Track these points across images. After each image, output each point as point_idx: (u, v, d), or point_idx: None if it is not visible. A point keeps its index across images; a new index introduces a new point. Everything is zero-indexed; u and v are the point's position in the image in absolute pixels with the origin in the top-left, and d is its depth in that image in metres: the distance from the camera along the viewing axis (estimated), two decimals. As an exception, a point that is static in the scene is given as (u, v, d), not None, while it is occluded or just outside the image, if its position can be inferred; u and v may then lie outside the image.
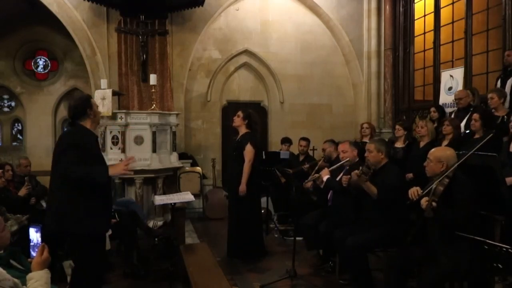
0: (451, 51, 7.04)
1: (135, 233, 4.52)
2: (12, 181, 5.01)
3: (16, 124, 9.77)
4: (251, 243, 4.84)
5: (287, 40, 8.60)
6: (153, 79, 6.38)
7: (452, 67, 6.78)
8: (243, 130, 4.87)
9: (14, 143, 9.73)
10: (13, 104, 9.72)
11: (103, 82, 6.42)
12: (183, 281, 3.68)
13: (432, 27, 7.43)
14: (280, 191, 6.25)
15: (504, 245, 2.49)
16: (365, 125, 6.31)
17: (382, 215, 3.57)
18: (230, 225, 4.95)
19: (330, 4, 8.56)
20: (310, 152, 6.99)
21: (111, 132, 5.98)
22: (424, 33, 7.69)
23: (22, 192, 4.73)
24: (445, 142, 4.71)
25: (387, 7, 8.28)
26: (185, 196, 4.16)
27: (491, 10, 6.25)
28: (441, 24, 7.24)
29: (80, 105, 3.01)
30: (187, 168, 7.49)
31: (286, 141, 6.96)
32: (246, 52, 8.44)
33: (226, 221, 5.16)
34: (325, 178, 4.27)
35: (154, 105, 6.35)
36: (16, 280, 2.06)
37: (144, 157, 5.97)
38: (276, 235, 5.93)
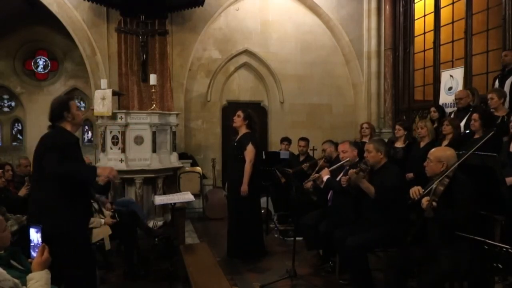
0: (451, 51, 7.04)
1: (135, 233, 4.52)
2: (12, 181, 5.00)
3: (16, 124, 9.77)
4: (251, 243, 4.84)
5: (287, 40, 8.60)
6: (153, 79, 6.38)
7: (452, 67, 6.78)
8: (243, 130, 4.86)
9: (14, 143, 9.74)
10: (13, 104, 9.73)
11: (103, 82, 6.43)
12: (183, 281, 3.68)
13: (432, 27, 7.43)
14: (280, 191, 6.25)
15: (504, 245, 2.49)
16: (365, 125, 6.32)
17: (382, 215, 3.57)
18: (230, 225, 4.95)
19: (330, 4, 8.57)
20: (310, 152, 7.00)
21: (111, 132, 5.98)
22: (424, 33, 7.69)
23: (22, 192, 4.72)
24: (445, 142, 4.71)
25: (387, 7, 8.28)
26: (185, 196, 4.16)
27: (491, 10, 6.25)
28: (441, 24, 7.24)
29: (56, 108, 2.97)
30: (187, 168, 7.49)
31: (285, 140, 6.97)
32: (246, 52, 8.45)
33: (226, 221, 5.16)
34: (325, 178, 4.27)
35: (154, 105, 6.35)
36: (16, 280, 2.06)
37: (144, 157, 5.97)
38: (276, 235, 5.93)
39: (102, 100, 5.87)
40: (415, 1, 7.92)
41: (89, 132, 10.14)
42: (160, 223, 5.85)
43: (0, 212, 3.88)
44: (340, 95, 9.00)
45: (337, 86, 8.98)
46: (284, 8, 8.55)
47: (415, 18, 7.93)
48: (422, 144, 5.07)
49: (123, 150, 5.90)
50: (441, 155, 3.07)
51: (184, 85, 7.97)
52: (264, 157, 6.28)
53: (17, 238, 3.66)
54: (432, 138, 5.03)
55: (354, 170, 3.66)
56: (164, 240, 3.95)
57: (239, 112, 4.90)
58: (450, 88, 6.25)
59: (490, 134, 3.29)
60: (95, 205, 4.36)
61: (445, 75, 6.48)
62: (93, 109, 5.99)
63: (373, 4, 8.54)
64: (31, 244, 2.20)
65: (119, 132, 5.90)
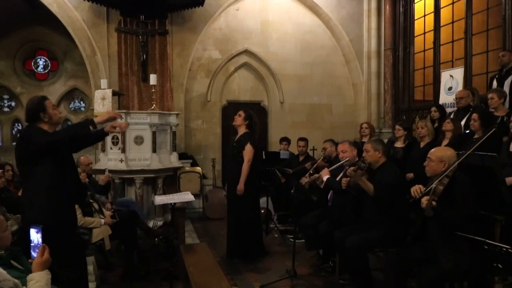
0: (451, 51, 7.04)
1: (135, 233, 4.52)
2: (12, 181, 5.01)
3: (16, 124, 9.76)
4: (251, 243, 4.84)
5: (287, 40, 8.60)
6: (153, 79, 6.38)
7: (452, 67, 6.78)
8: (242, 130, 4.87)
9: (14, 143, 9.72)
10: (13, 104, 9.72)
11: (103, 82, 6.43)
12: (183, 281, 3.68)
13: (432, 27, 7.43)
14: (280, 191, 6.25)
15: (504, 245, 2.49)
16: (365, 125, 6.32)
17: (382, 215, 3.58)
18: (229, 225, 4.95)
19: (330, 4, 8.57)
20: (310, 152, 6.99)
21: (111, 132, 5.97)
22: (424, 33, 7.69)
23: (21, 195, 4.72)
24: (445, 142, 4.71)
25: (387, 7, 8.28)
26: (185, 196, 4.16)
27: (491, 10, 6.25)
28: (441, 24, 7.24)
29: (31, 109, 2.93)
30: (187, 168, 7.49)
31: (284, 140, 6.98)
32: (246, 52, 8.44)
33: (226, 221, 5.16)
34: (325, 178, 4.27)
35: (154, 105, 6.35)
36: (16, 280, 2.06)
37: (144, 157, 5.97)
38: (276, 235, 5.93)
39: (102, 100, 5.88)
40: (415, 1, 7.92)
41: (89, 132, 10.11)
42: (160, 223, 5.84)
43: (0, 212, 3.88)
44: (340, 95, 9.00)
45: (337, 86, 8.98)
46: (284, 8, 8.55)
47: (415, 18, 7.93)
48: (422, 144, 5.07)
49: (123, 150, 5.90)
50: (443, 154, 3.08)
51: (184, 85, 7.97)
52: (264, 157, 6.29)
53: (17, 238, 3.66)
54: (432, 138, 5.03)
55: (353, 167, 3.68)
56: (164, 240, 3.95)
57: (241, 112, 4.92)
58: (450, 88, 6.25)
59: (491, 131, 3.28)
60: (95, 205, 4.37)
61: (445, 75, 6.48)
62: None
63: (373, 4, 8.54)
64: (32, 244, 2.20)
65: (119, 132, 5.89)
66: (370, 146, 3.78)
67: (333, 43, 8.86)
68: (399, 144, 5.50)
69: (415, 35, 7.94)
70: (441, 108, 5.72)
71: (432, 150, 3.19)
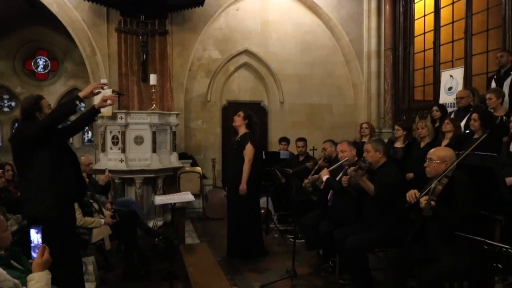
0: (451, 51, 7.04)
1: (135, 233, 4.52)
2: (12, 181, 5.01)
3: (16, 124, 9.76)
4: (251, 243, 4.84)
5: (287, 40, 8.60)
6: (153, 79, 6.38)
7: (452, 67, 6.78)
8: (242, 130, 4.87)
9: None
10: (13, 104, 9.73)
11: (104, 81, 6.42)
12: (183, 281, 3.68)
13: (432, 27, 7.43)
14: (280, 191, 6.25)
15: (504, 245, 2.49)
16: (364, 125, 6.32)
17: (382, 215, 3.58)
18: (229, 225, 4.95)
19: (330, 4, 8.57)
20: (310, 152, 6.99)
21: (111, 132, 5.99)
22: (424, 33, 7.69)
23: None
24: (445, 142, 4.71)
25: (387, 7, 8.28)
26: (185, 196, 4.16)
27: (491, 10, 6.25)
28: (441, 24, 7.24)
29: (27, 109, 2.94)
30: (187, 168, 7.49)
31: (284, 140, 6.99)
32: (246, 52, 8.44)
33: (226, 221, 5.16)
34: (324, 178, 4.28)
35: (154, 105, 6.36)
36: (16, 280, 2.06)
37: (144, 157, 5.98)
38: (276, 235, 5.93)
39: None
40: (415, 1, 7.92)
41: (89, 132, 10.14)
42: (160, 223, 5.85)
43: (0, 212, 3.88)
44: (340, 95, 9.00)
45: (337, 86, 8.97)
46: (284, 8, 8.55)
47: (415, 18, 7.93)
48: (422, 144, 5.07)
49: (123, 150, 5.90)
50: (445, 154, 3.07)
51: (184, 85, 7.97)
52: (264, 157, 6.29)
53: (17, 238, 3.66)
54: (433, 138, 5.03)
55: (353, 167, 3.68)
56: (164, 240, 3.95)
57: (240, 112, 4.93)
58: (450, 88, 6.25)
59: (484, 136, 3.27)
60: (95, 205, 4.37)
61: (445, 75, 6.47)
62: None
63: (373, 4, 8.53)
64: (32, 245, 2.20)
65: (119, 132, 5.91)
66: (370, 146, 3.78)
67: (333, 43, 8.86)
68: (399, 144, 5.51)
69: (415, 35, 7.94)
70: (443, 108, 5.71)
71: (432, 150, 3.18)
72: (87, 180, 4.59)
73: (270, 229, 6.10)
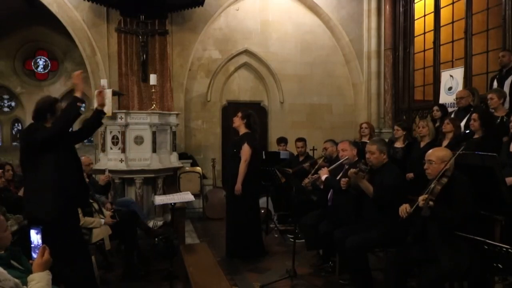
0: (451, 51, 7.04)
1: (135, 233, 4.52)
2: (12, 181, 5.01)
3: (16, 124, 9.77)
4: (249, 243, 4.84)
5: (287, 40, 8.60)
6: (153, 79, 6.38)
7: (452, 67, 6.78)
8: (242, 130, 4.87)
9: (14, 143, 9.74)
10: (13, 104, 9.74)
11: (103, 82, 6.41)
12: (183, 281, 3.68)
13: (432, 27, 7.43)
14: (280, 191, 6.25)
15: (504, 245, 2.49)
16: (364, 125, 6.31)
17: (382, 215, 3.58)
18: (228, 225, 4.95)
19: (330, 4, 8.57)
20: (310, 152, 6.99)
21: (111, 132, 5.98)
22: (424, 33, 7.69)
23: (23, 192, 4.72)
24: (445, 142, 4.71)
25: (387, 7, 8.28)
26: (185, 196, 4.16)
27: (491, 10, 6.25)
28: (441, 24, 7.24)
29: (41, 109, 2.99)
30: (187, 168, 7.50)
31: (282, 141, 7.00)
32: (246, 52, 8.44)
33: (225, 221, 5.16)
34: (323, 177, 4.28)
35: (154, 105, 6.35)
36: (16, 280, 2.06)
37: (144, 157, 5.97)
38: (276, 235, 5.93)
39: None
40: (415, 1, 7.92)
41: (89, 132, 10.12)
42: (160, 223, 5.85)
43: (0, 212, 3.88)
44: (340, 95, 9.00)
45: (337, 86, 8.97)
46: (284, 8, 8.55)
47: (415, 18, 7.93)
48: (422, 144, 5.06)
49: (123, 150, 5.89)
50: (444, 154, 3.07)
51: (184, 85, 7.97)
52: (264, 157, 6.28)
53: (17, 238, 3.66)
54: (433, 138, 5.03)
55: (354, 170, 3.67)
56: (164, 240, 3.95)
57: (239, 113, 4.92)
58: (450, 88, 6.25)
59: (461, 149, 3.17)
60: (95, 205, 4.37)
61: (445, 75, 6.48)
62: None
63: (373, 4, 8.53)
64: (32, 245, 2.20)
65: (119, 132, 5.90)
66: (375, 147, 3.71)
67: (333, 43, 8.86)
68: (398, 144, 5.50)
69: (415, 35, 7.94)
70: (443, 108, 5.70)
71: (430, 152, 3.16)
72: (87, 180, 4.59)
73: (270, 229, 6.10)
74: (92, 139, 9.98)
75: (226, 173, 6.91)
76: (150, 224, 5.66)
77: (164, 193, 5.84)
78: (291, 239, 5.31)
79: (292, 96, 8.71)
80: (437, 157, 3.06)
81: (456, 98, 5.36)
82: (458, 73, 6.28)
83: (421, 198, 2.87)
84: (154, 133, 6.00)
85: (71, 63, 9.58)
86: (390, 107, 8.32)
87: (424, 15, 7.69)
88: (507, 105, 4.86)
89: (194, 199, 4.37)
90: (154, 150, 6.01)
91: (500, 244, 2.53)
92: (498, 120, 4.56)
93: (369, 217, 3.74)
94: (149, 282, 4.14)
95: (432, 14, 7.43)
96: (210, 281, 3.09)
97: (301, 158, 6.38)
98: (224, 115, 8.42)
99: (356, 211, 3.97)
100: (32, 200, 2.87)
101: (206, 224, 6.79)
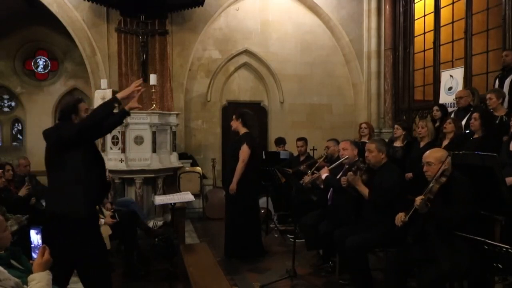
0: (451, 51, 7.04)
1: (135, 233, 4.52)
2: (12, 181, 5.01)
3: (16, 124, 9.77)
4: (248, 243, 4.83)
5: (287, 40, 8.60)
6: (153, 79, 6.38)
7: (452, 67, 6.78)
8: (242, 130, 4.87)
9: (14, 143, 9.74)
10: (13, 104, 9.72)
11: (103, 82, 6.43)
12: (183, 281, 3.69)
13: (432, 27, 7.43)
14: (280, 191, 6.25)
15: (504, 245, 2.49)
16: (364, 125, 6.30)
17: (382, 215, 3.57)
18: (227, 225, 4.95)
19: (330, 4, 8.57)
20: (310, 152, 6.99)
21: (111, 132, 5.98)
22: (424, 33, 7.69)
23: (22, 192, 4.73)
24: (446, 142, 4.71)
25: (387, 7, 8.28)
26: (185, 196, 4.16)
27: (491, 10, 6.25)
28: (441, 24, 7.24)
29: (65, 110, 3.02)
30: (187, 168, 7.50)
31: (280, 142, 7.00)
32: (246, 52, 8.44)
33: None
34: (324, 175, 4.28)
35: (154, 105, 6.35)
36: (17, 280, 2.06)
37: (144, 157, 5.97)
38: (276, 235, 5.93)
39: (102, 100, 5.87)
40: (415, 1, 7.92)
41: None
42: (160, 223, 5.85)
43: (0, 212, 3.88)
44: (340, 95, 9.00)
45: (337, 86, 8.98)
46: (284, 8, 8.55)
47: (415, 18, 7.93)
48: (422, 144, 5.06)
49: (123, 150, 5.90)
50: (441, 155, 3.08)
51: (184, 85, 7.97)
52: (264, 157, 6.28)
53: (17, 238, 3.67)
54: (432, 138, 5.03)
55: (352, 169, 3.70)
56: (164, 240, 3.96)
57: (233, 116, 4.94)
58: (450, 88, 6.25)
59: (445, 162, 3.13)
60: (95, 205, 4.36)
61: (445, 75, 6.48)
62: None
63: (373, 4, 8.54)
64: (32, 245, 2.20)
65: (119, 132, 5.90)
66: (374, 146, 3.74)
67: (333, 43, 8.86)
68: (398, 144, 5.50)
69: (415, 35, 7.94)
70: (443, 108, 5.70)
71: (427, 154, 3.16)
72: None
73: (270, 229, 6.11)
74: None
75: (226, 173, 6.91)
76: (150, 224, 5.66)
77: (164, 193, 5.84)
78: (291, 239, 5.31)
79: (292, 96, 8.71)
80: (435, 158, 3.06)
81: (456, 98, 5.37)
82: (458, 73, 6.28)
83: (418, 198, 2.87)
84: (154, 133, 6.00)
85: (71, 63, 9.57)
86: (390, 107, 8.32)
87: (424, 15, 7.69)
88: (506, 104, 4.86)
89: (194, 199, 4.38)
90: (154, 150, 6.01)
91: (500, 244, 2.53)
92: (498, 120, 4.56)
93: (369, 217, 3.74)
94: (149, 282, 4.14)
95: (432, 14, 7.43)
96: (210, 281, 3.10)
97: (301, 158, 6.37)
98: (224, 115, 8.42)
99: (356, 211, 3.97)
100: (60, 198, 2.88)
101: (206, 224, 6.79)
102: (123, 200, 5.63)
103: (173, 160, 6.42)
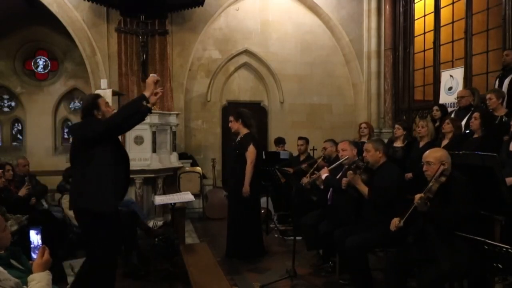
0: (451, 51, 7.05)
1: (135, 233, 4.52)
2: (12, 181, 5.01)
3: (16, 124, 9.75)
4: (251, 243, 4.83)
5: (287, 40, 8.60)
6: (153, 79, 6.37)
7: (452, 67, 6.79)
8: (243, 131, 4.85)
9: (14, 143, 9.73)
10: (13, 104, 9.71)
11: (103, 82, 6.42)
12: (183, 281, 3.68)
13: (432, 27, 7.43)
14: (280, 191, 6.25)
15: (504, 245, 2.49)
16: (363, 125, 6.30)
17: (382, 215, 3.57)
18: (230, 225, 4.94)
19: (330, 4, 8.57)
20: (310, 152, 6.99)
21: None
22: (424, 33, 7.69)
23: (22, 192, 4.73)
24: (445, 142, 4.71)
25: (387, 7, 8.28)
26: (185, 196, 4.16)
27: (491, 10, 6.26)
28: (441, 24, 7.24)
29: (86, 107, 3.06)
30: (187, 168, 7.50)
31: (280, 142, 6.99)
32: (246, 52, 8.45)
33: (226, 221, 5.16)
34: (323, 176, 4.28)
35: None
36: (17, 280, 2.06)
37: (144, 157, 5.97)
38: (276, 235, 5.93)
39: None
40: (415, 1, 7.93)
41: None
42: (160, 223, 5.84)
43: (0, 212, 3.88)
44: (340, 95, 9.00)
45: (337, 86, 8.98)
46: (284, 8, 8.55)
47: (415, 18, 7.93)
48: (421, 144, 5.06)
49: (123, 150, 5.89)
50: (441, 154, 3.08)
51: (184, 85, 7.97)
52: (264, 157, 6.28)
53: (17, 238, 3.67)
54: (432, 138, 5.03)
55: (351, 169, 3.71)
56: (164, 240, 3.96)
57: (230, 118, 4.91)
58: (450, 88, 6.25)
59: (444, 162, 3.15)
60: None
61: (445, 75, 6.48)
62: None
63: (373, 4, 8.54)
64: (32, 245, 2.20)
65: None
66: (371, 146, 3.79)
67: (333, 43, 8.86)
68: (398, 144, 5.50)
69: (415, 35, 7.94)
70: (443, 107, 5.71)
71: (427, 153, 3.16)
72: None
73: (270, 229, 6.10)
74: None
75: (226, 173, 6.92)
76: (150, 224, 5.66)
77: (164, 193, 5.84)
78: (291, 239, 5.31)
79: (292, 96, 8.71)
80: (435, 157, 3.07)
81: (457, 97, 5.37)
82: (458, 73, 6.28)
83: (417, 196, 2.87)
84: (154, 133, 6.00)
85: (71, 63, 9.56)
86: (390, 107, 8.32)
87: (424, 15, 7.69)
88: (505, 104, 4.86)
89: (194, 199, 4.37)
90: (154, 150, 6.01)
91: (500, 244, 2.53)
92: (497, 120, 4.56)
93: (369, 217, 3.74)
94: (149, 282, 4.14)
95: (432, 14, 7.43)
96: (210, 281, 3.10)
97: (302, 158, 6.37)
98: (224, 115, 8.42)
99: (356, 211, 3.97)
100: (87, 193, 2.91)
101: (206, 224, 6.79)
102: (123, 200, 5.61)
103: (173, 160, 6.42)
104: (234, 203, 4.89)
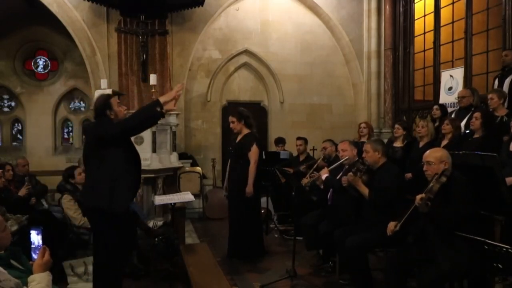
0: (451, 51, 7.05)
1: (135, 233, 4.51)
2: (12, 181, 5.01)
3: (16, 124, 9.75)
4: (252, 243, 4.83)
5: (287, 40, 8.60)
6: (153, 79, 6.38)
7: (452, 67, 6.79)
8: (244, 131, 4.85)
9: (14, 143, 9.73)
10: (13, 104, 9.71)
11: (103, 82, 6.43)
12: (183, 281, 3.68)
13: (432, 27, 7.43)
14: (280, 191, 6.25)
15: (504, 245, 2.49)
16: (363, 125, 6.30)
17: (382, 215, 3.57)
18: (231, 225, 4.94)
19: (330, 4, 8.57)
20: (310, 152, 6.99)
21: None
22: (424, 33, 7.69)
23: (22, 192, 4.73)
24: (445, 142, 4.71)
25: (387, 7, 8.28)
26: (185, 196, 4.16)
27: (491, 10, 6.26)
28: (441, 24, 7.24)
29: (98, 108, 3.09)
30: (187, 168, 7.49)
31: (279, 141, 6.99)
32: (246, 52, 8.44)
33: (226, 221, 5.16)
34: (323, 176, 4.28)
35: (154, 105, 6.34)
36: (17, 280, 2.06)
37: (144, 157, 5.90)
38: (276, 235, 5.93)
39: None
40: (415, 1, 7.93)
41: (89, 132, 10.09)
42: (160, 223, 5.83)
43: (0, 212, 3.88)
44: (340, 95, 9.00)
45: (337, 86, 8.98)
46: (284, 8, 8.55)
47: (415, 18, 7.93)
48: (421, 144, 5.06)
49: (123, 150, 5.89)
50: (441, 154, 3.08)
51: (184, 85, 7.96)
52: (264, 157, 6.27)
53: (17, 238, 3.66)
54: (432, 138, 5.03)
55: (352, 169, 3.71)
56: (164, 240, 3.96)
57: (232, 118, 4.84)
58: (450, 88, 6.25)
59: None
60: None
61: (445, 75, 6.48)
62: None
63: (373, 4, 8.54)
64: (32, 246, 2.21)
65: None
66: (369, 146, 3.79)
67: (333, 43, 8.86)
68: (398, 144, 5.50)
69: (415, 35, 7.94)
70: (443, 107, 5.71)
71: (427, 153, 3.17)
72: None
73: (270, 229, 6.10)
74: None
75: (224, 173, 6.90)
76: (150, 224, 5.65)
77: (164, 193, 5.84)
78: (291, 239, 5.31)
79: (292, 96, 8.71)
80: (435, 157, 3.07)
81: (458, 97, 5.36)
82: (458, 73, 6.28)
83: (418, 196, 2.87)
84: (154, 133, 6.00)
85: (71, 63, 9.56)
86: (390, 107, 8.32)
87: (424, 15, 7.69)
88: (506, 104, 4.87)
89: (194, 199, 4.37)
90: (154, 150, 6.01)
91: (500, 244, 2.54)
92: (498, 120, 4.56)
93: (369, 217, 3.74)
94: (149, 282, 4.14)
95: (432, 14, 7.43)
96: (210, 281, 3.10)
97: (301, 158, 6.37)
98: (224, 115, 8.41)
99: (356, 211, 3.97)
100: (99, 193, 2.93)
101: (206, 224, 6.79)
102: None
103: (173, 160, 6.41)
104: (235, 203, 4.88)
